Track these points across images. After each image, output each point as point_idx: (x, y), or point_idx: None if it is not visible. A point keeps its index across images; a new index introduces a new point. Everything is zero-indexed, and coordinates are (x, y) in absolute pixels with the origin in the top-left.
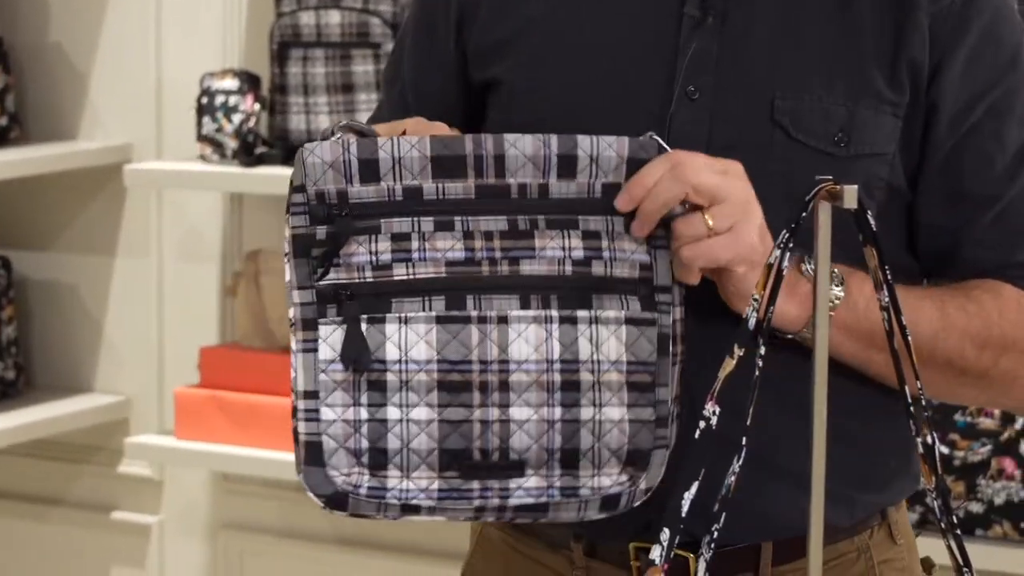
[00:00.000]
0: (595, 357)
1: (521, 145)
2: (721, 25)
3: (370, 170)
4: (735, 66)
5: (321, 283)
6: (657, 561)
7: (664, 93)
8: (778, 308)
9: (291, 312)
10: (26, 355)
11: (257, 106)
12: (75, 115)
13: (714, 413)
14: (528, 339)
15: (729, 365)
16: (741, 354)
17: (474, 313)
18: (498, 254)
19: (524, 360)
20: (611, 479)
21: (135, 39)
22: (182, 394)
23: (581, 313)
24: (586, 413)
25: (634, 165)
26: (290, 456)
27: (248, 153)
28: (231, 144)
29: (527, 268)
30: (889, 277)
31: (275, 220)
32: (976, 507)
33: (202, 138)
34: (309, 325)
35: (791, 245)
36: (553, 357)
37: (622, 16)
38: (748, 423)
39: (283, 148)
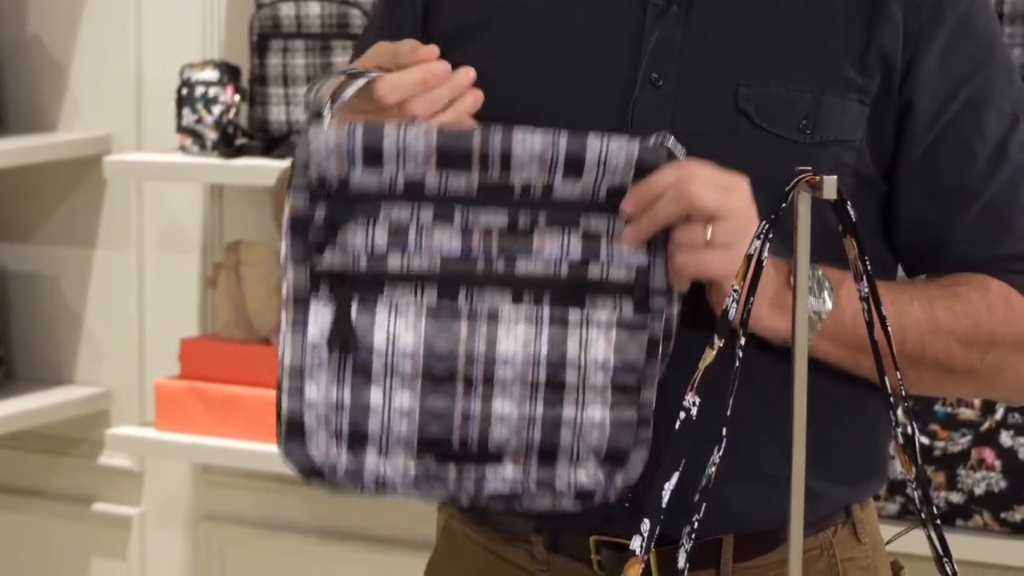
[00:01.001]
0: (582, 359)
1: (530, 143)
2: (686, 13)
3: (373, 157)
4: (699, 54)
5: (315, 264)
6: (638, 552)
7: (628, 80)
8: (770, 323)
9: (283, 288)
10: (6, 347)
11: (237, 97)
12: (55, 107)
13: (694, 404)
14: (517, 337)
15: (709, 356)
16: (721, 345)
17: (465, 307)
18: (495, 251)
19: (511, 358)
20: (588, 476)
21: (114, 31)
22: (163, 385)
23: (572, 314)
24: (568, 412)
25: (642, 169)
26: (272, 448)
27: (228, 144)
28: (211, 135)
29: (523, 267)
30: (869, 268)
31: (255, 211)
32: (956, 497)
33: (182, 129)
34: (300, 303)
35: (771, 236)
36: (540, 357)
37: (587, 4)
38: (728, 414)
39: (263, 139)
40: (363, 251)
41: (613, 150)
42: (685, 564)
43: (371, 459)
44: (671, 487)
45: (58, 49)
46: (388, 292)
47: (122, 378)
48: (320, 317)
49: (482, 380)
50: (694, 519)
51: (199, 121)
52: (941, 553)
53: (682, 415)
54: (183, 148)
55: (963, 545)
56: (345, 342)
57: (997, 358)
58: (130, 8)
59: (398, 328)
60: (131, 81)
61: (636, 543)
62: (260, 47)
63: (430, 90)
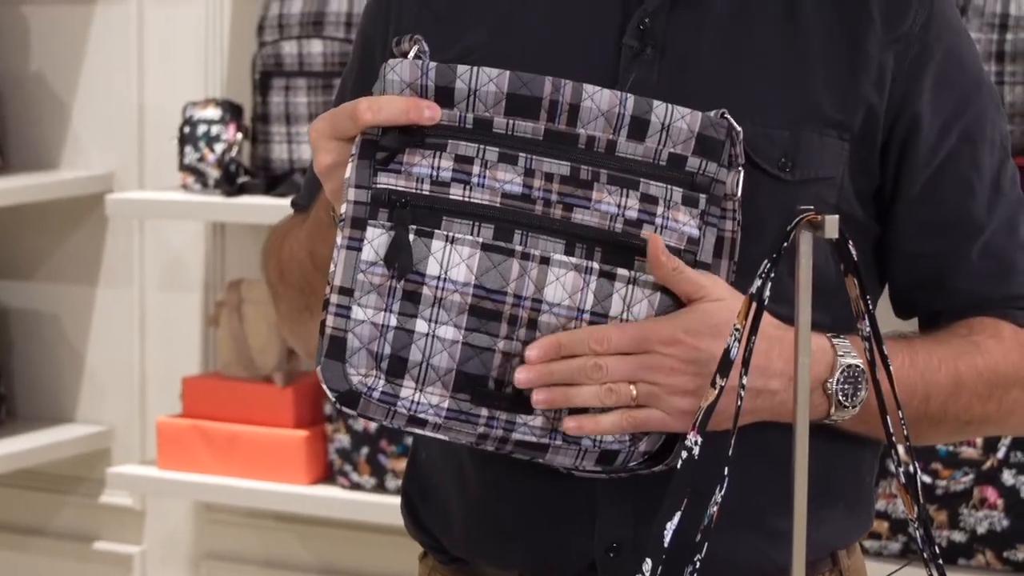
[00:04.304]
0: (624, 316)
1: (598, 98)
2: (660, 55)
3: (445, 97)
4: (675, 96)
5: (378, 185)
6: None
7: None
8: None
9: (342, 209)
10: (8, 385)
11: (239, 135)
12: (57, 144)
13: (696, 443)
14: (565, 284)
15: (711, 395)
16: (723, 384)
17: (519, 248)
18: (554, 197)
19: (557, 303)
20: (614, 435)
21: (117, 68)
22: (164, 424)
23: (621, 271)
24: None
25: (704, 141)
26: (272, 486)
27: (230, 183)
28: (213, 173)
29: (579, 217)
30: (871, 306)
31: (257, 250)
32: (959, 536)
33: (184, 167)
34: (358, 224)
35: (772, 275)
36: (585, 307)
37: (562, 46)
38: (731, 453)
39: (265, 178)
40: (427, 177)
41: (676, 117)
42: None
43: (407, 387)
44: (673, 527)
45: (61, 87)
46: (446, 223)
47: (123, 416)
48: (376, 240)
49: (526, 322)
50: (696, 559)
51: (201, 159)
52: None
53: (684, 454)
54: (185, 186)
55: None
56: (400, 265)
57: (1009, 402)
58: (132, 46)
59: (452, 259)
60: (133, 119)
61: None
62: (263, 85)
63: (410, 122)
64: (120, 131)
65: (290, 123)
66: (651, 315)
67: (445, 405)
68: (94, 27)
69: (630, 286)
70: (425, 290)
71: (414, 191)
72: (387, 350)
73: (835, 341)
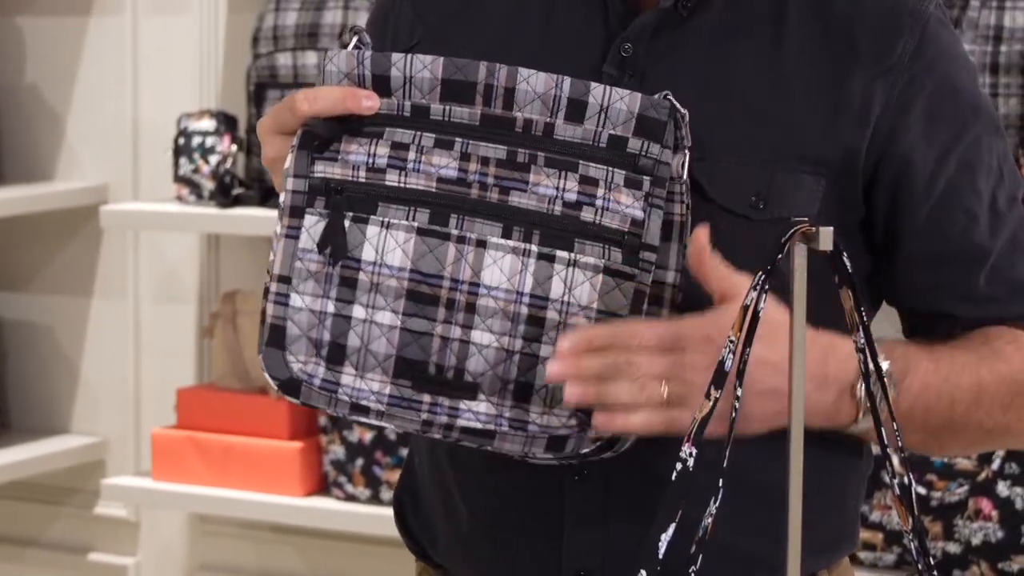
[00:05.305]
0: (565, 298)
1: (533, 81)
2: (639, 84)
3: (382, 85)
4: None
5: (315, 173)
6: None
7: None
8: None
9: (281, 198)
10: (2, 396)
11: (234, 147)
12: (51, 156)
13: (691, 455)
14: (503, 268)
15: (705, 407)
16: (717, 396)
17: (455, 232)
18: (491, 180)
19: (495, 287)
20: (560, 421)
21: (111, 80)
22: (159, 435)
23: (560, 253)
24: (546, 350)
25: (644, 122)
26: (267, 498)
27: (225, 194)
28: (208, 185)
29: (516, 200)
30: (865, 319)
31: (252, 261)
32: (953, 548)
33: (179, 179)
34: (296, 212)
35: (767, 288)
36: (524, 290)
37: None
38: (725, 465)
39: (260, 189)
40: (363, 164)
41: (615, 99)
42: None
43: (347, 374)
44: (667, 538)
45: (55, 99)
46: (382, 209)
47: (118, 428)
48: (313, 227)
49: (464, 306)
50: (691, 570)
51: (196, 171)
52: None
53: (679, 466)
54: (180, 198)
55: None
56: (335, 251)
57: None
58: (127, 58)
59: (387, 244)
60: (128, 131)
61: None
62: (257, 97)
63: (347, 111)
64: (115, 143)
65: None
66: (594, 298)
67: (387, 391)
68: (89, 39)
69: (570, 268)
70: (362, 276)
71: (350, 179)
72: (326, 337)
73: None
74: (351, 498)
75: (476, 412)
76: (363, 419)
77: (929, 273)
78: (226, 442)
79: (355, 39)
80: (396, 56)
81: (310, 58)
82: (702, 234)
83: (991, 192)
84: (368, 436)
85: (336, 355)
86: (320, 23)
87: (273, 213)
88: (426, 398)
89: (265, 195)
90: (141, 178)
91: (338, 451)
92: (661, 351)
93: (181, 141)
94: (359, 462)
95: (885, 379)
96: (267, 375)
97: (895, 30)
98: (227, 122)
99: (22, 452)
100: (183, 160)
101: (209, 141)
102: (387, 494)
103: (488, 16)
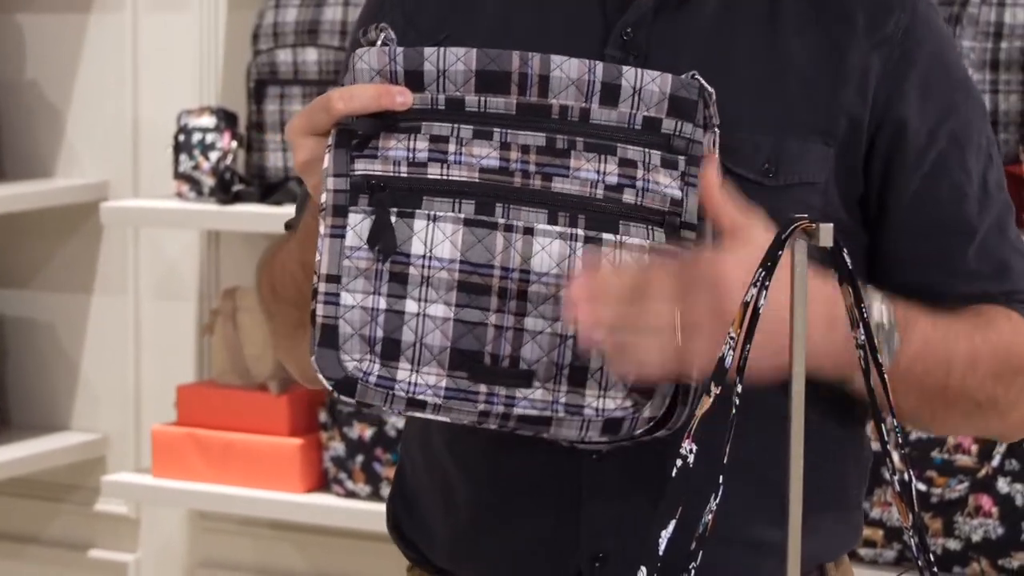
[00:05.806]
0: None
1: (567, 68)
2: (643, 65)
3: (415, 81)
4: None
5: (356, 171)
6: None
7: None
8: (822, 345)
9: (323, 198)
10: (2, 393)
11: (234, 144)
12: (52, 153)
13: (691, 451)
14: (551, 253)
15: (706, 403)
16: (718, 392)
17: (501, 221)
18: (532, 168)
19: (545, 272)
20: (615, 403)
21: (112, 77)
22: (159, 432)
23: (607, 236)
24: None
25: (676, 102)
26: (267, 495)
27: (225, 191)
28: (208, 182)
29: (559, 186)
30: (866, 315)
31: (252, 258)
32: (953, 544)
33: (179, 176)
34: (339, 212)
35: (767, 284)
36: (574, 274)
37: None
38: (725, 462)
39: (260, 186)
40: (404, 159)
41: (647, 80)
42: None
43: (403, 369)
44: (668, 535)
45: (56, 95)
46: (427, 202)
47: (118, 424)
48: (358, 225)
49: (516, 294)
50: (691, 567)
51: (196, 167)
52: None
53: (679, 463)
54: (180, 194)
55: None
56: (384, 247)
57: (1016, 389)
58: (127, 54)
59: (436, 237)
60: (128, 127)
61: None
62: (257, 94)
63: (381, 108)
64: (115, 139)
65: (285, 131)
66: None
67: (443, 384)
68: (89, 36)
69: (618, 250)
70: (412, 270)
71: (392, 174)
72: (379, 333)
73: None
74: (351, 495)
75: (532, 400)
76: (419, 414)
77: (918, 244)
78: (226, 439)
79: (382, 35)
80: (429, 50)
81: (310, 54)
82: (711, 171)
83: (981, 172)
84: (368, 433)
85: (391, 351)
86: (320, 19)
87: (272, 209)
88: (482, 388)
89: (265, 192)
90: (141, 175)
91: (338, 448)
92: (671, 297)
93: (181, 138)
94: (359, 459)
95: (888, 325)
96: (320, 376)
97: (887, 5)
98: (227, 119)
99: (22, 449)
100: (183, 157)
101: (209, 138)
102: (387, 491)
103: (481, 13)
